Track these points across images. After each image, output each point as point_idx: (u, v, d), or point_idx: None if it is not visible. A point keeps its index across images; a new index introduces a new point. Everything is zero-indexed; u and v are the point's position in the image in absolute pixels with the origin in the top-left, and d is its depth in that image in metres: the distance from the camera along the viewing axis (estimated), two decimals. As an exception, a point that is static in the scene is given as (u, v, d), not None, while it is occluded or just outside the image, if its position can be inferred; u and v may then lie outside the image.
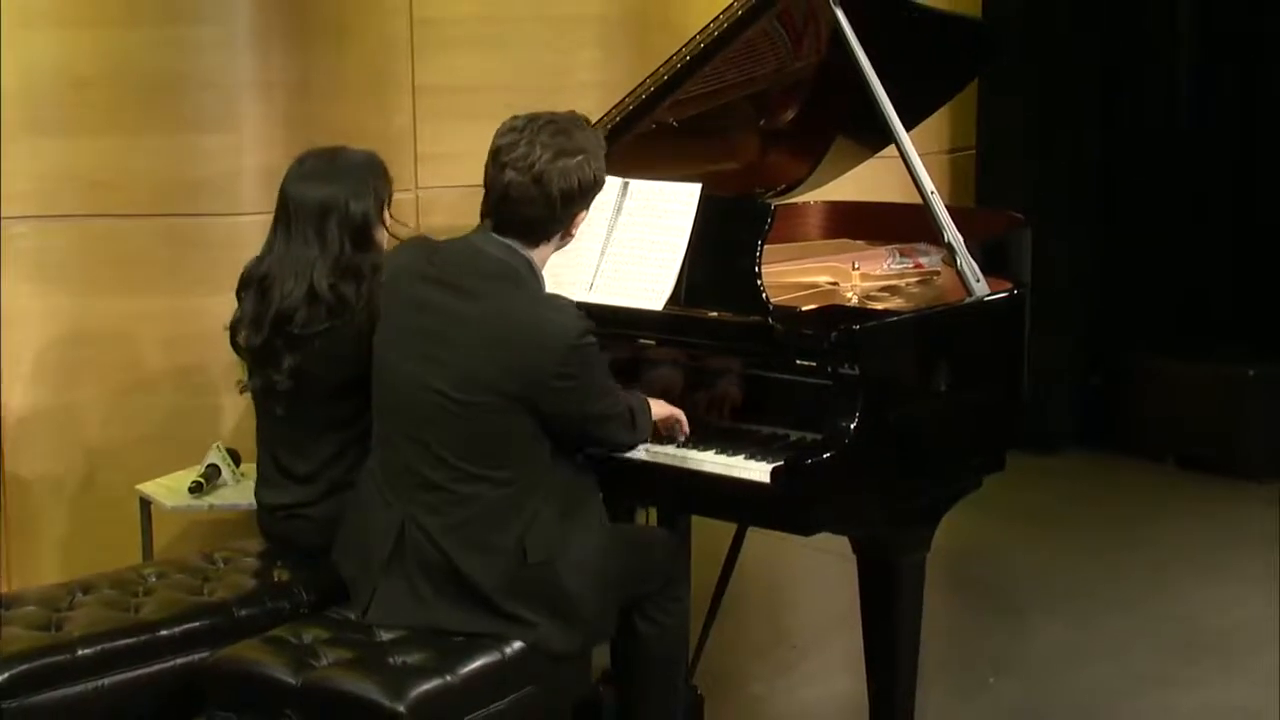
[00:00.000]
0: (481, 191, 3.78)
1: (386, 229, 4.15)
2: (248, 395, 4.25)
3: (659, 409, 3.99)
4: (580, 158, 3.73)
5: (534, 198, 3.68)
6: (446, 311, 3.69)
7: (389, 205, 4.16)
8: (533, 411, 3.63)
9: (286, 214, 4.09)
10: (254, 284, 4.10)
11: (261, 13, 5.33)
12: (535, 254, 3.78)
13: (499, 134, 3.75)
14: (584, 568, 3.74)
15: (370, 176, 4.12)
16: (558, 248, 3.86)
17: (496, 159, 3.72)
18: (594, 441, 3.82)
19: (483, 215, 3.79)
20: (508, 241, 3.74)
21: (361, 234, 4.06)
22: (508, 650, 3.64)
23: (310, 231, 4.03)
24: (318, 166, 4.11)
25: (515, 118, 3.77)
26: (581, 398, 3.68)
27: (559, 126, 3.73)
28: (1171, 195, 7.67)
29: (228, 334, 4.16)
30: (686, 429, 4.03)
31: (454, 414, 3.65)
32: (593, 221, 4.24)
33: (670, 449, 3.99)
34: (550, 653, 3.70)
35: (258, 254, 4.15)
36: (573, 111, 3.83)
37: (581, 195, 3.77)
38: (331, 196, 4.03)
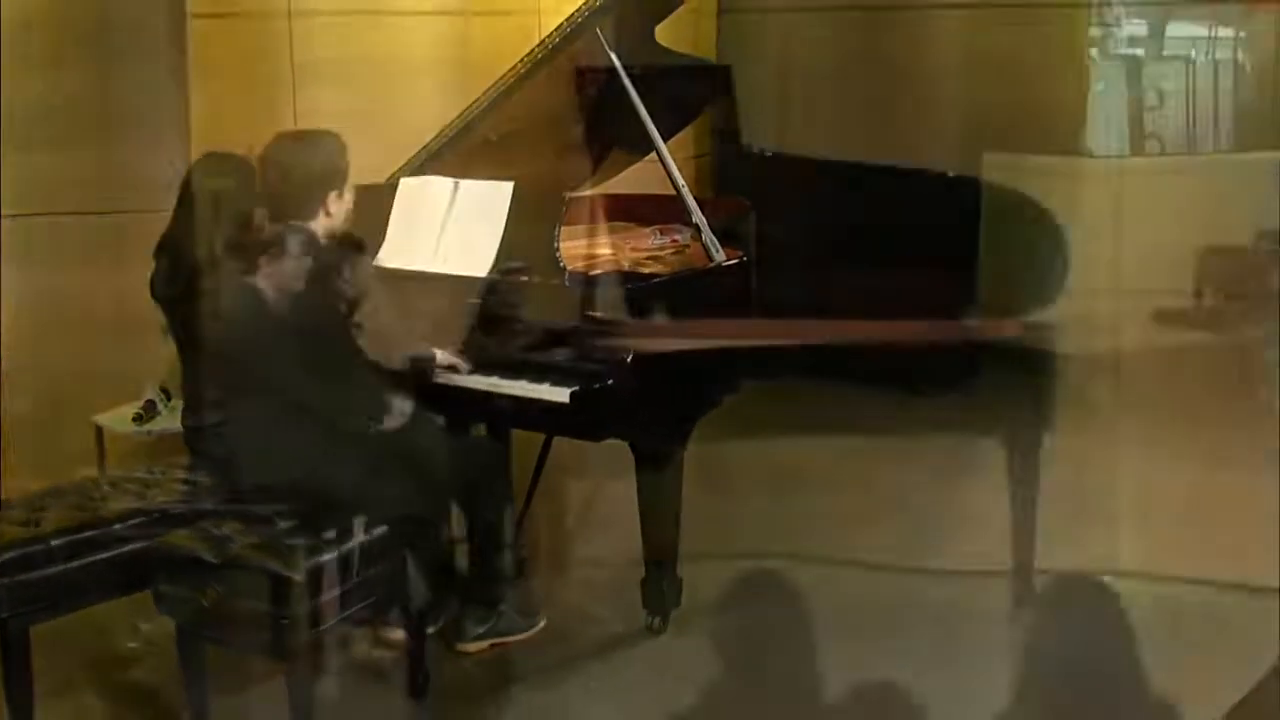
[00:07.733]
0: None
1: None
2: (173, 346, 4.19)
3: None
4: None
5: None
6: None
7: None
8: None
9: (189, 197, 4.02)
10: (167, 249, 4.04)
11: (181, 61, 5.30)
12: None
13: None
14: (433, 454, 3.76)
15: (250, 174, 4.03)
16: (326, 228, 3.85)
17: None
18: None
19: None
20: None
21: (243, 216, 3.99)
22: (382, 525, 3.61)
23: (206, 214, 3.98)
24: (213, 165, 4.08)
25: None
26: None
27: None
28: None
29: (148, 288, 4.10)
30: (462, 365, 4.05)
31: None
32: (434, 211, 4.28)
33: (495, 379, 3.98)
34: (414, 521, 3.70)
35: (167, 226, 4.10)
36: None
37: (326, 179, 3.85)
38: (223, 187, 3.97)
